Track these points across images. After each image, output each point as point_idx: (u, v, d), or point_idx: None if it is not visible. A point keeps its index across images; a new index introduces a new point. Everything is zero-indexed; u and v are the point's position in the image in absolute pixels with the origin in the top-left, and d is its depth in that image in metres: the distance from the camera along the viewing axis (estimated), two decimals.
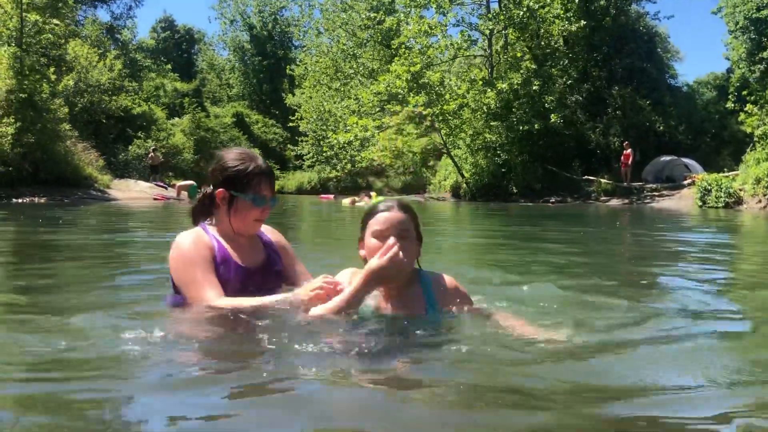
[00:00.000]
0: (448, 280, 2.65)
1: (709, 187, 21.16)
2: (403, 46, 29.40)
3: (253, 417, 1.67)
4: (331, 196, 24.12)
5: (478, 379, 1.98)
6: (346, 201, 23.24)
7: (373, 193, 25.99)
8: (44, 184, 19.46)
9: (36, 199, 18.01)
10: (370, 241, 2.48)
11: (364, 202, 21.97)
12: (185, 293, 2.63)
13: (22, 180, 18.86)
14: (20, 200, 17.60)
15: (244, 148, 2.92)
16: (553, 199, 25.66)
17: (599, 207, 23.04)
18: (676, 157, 27.98)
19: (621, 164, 26.90)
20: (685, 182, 24.98)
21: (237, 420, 1.65)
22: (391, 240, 2.38)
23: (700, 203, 21.19)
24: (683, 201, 23.13)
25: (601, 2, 30.84)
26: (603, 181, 27.04)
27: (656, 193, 25.44)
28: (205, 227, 2.76)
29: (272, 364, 2.08)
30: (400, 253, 2.35)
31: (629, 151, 26.41)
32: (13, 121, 18.61)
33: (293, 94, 53.06)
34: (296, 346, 2.17)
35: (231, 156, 2.78)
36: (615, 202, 25.34)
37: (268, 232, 2.94)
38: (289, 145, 55.45)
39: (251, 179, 2.67)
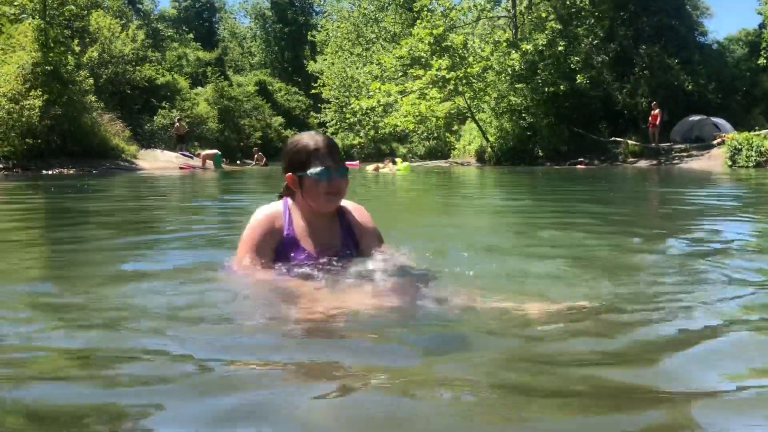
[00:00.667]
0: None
1: (740, 147, 20.74)
2: (426, 8, 29.01)
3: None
4: (357, 163, 23.94)
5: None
6: (370, 167, 23.25)
7: (398, 159, 25.92)
8: (72, 156, 19.72)
9: (65, 171, 18.29)
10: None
11: (387, 169, 21.97)
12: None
13: (50, 152, 19.12)
14: (49, 172, 17.89)
15: (308, 131, 2.98)
16: (581, 160, 25.22)
17: (627, 169, 22.75)
18: (705, 117, 27.38)
19: (649, 125, 26.43)
20: (715, 142, 24.48)
21: None
22: None
23: (730, 163, 20.81)
24: (712, 161, 22.73)
25: None
26: (630, 142, 26.64)
27: (685, 154, 25.01)
28: (286, 203, 2.82)
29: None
30: None
31: (657, 111, 25.92)
32: (40, 93, 18.80)
33: (315, 61, 52.82)
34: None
35: (291, 140, 2.86)
36: (643, 163, 25.00)
37: (355, 211, 2.92)
38: (312, 113, 55.35)
39: (309, 155, 2.71)
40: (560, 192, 11.19)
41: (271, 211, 2.78)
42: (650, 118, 26.22)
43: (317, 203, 2.74)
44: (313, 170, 2.67)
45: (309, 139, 2.77)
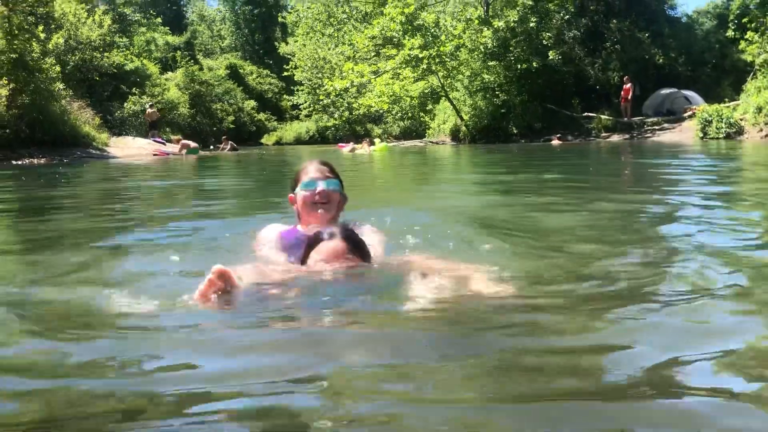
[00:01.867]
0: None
1: (710, 119, 21.02)
2: None
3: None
4: (349, 145, 23.30)
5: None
6: (346, 149, 23.19)
7: (376, 140, 25.88)
8: (42, 145, 19.33)
9: (35, 161, 17.94)
10: (303, 192, 2.93)
11: (363, 149, 21.92)
12: None
13: (20, 142, 18.72)
14: (19, 162, 17.54)
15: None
16: (558, 135, 25.34)
17: (600, 143, 22.96)
18: (676, 90, 27.69)
19: (621, 99, 26.67)
20: (686, 114, 24.79)
21: None
22: None
23: (701, 135, 21.09)
24: (684, 134, 23.02)
25: None
26: (603, 117, 26.86)
27: (657, 127, 25.30)
28: (295, 227, 3.01)
29: None
30: None
31: (629, 85, 26.14)
32: (6, 82, 18.38)
33: (286, 43, 52.31)
34: None
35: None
36: (616, 137, 25.25)
37: (370, 233, 2.91)
38: (285, 95, 54.95)
39: (300, 173, 3.01)
40: (539, 167, 11.27)
41: (277, 226, 3.07)
42: (622, 92, 26.47)
43: (307, 214, 2.91)
44: (301, 183, 2.95)
45: (305, 163, 3.08)
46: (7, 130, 18.21)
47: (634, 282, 2.34)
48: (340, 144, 27.26)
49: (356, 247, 2.46)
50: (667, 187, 6.79)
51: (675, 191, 6.16)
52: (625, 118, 26.33)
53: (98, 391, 1.48)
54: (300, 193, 2.93)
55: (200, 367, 1.61)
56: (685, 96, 27.17)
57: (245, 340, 1.84)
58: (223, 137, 31.91)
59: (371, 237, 2.81)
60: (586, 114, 27.54)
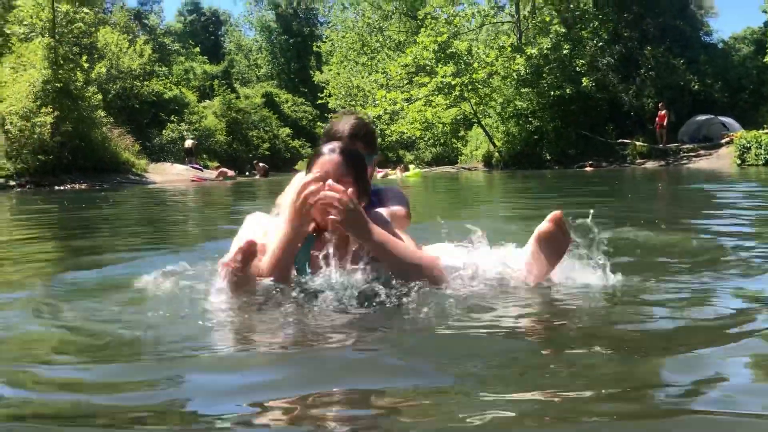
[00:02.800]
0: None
1: (748, 145, 20.71)
2: (429, 16, 29.19)
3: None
4: (383, 171, 23.44)
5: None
6: (379, 174, 23.41)
7: (411, 166, 26.10)
8: (83, 171, 19.90)
9: (77, 186, 18.46)
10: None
11: (395, 175, 22.09)
12: None
13: (62, 168, 19.31)
14: (62, 187, 18.07)
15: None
16: (590, 162, 25.23)
17: (635, 170, 22.75)
18: (712, 116, 27.32)
19: (656, 125, 26.43)
20: (723, 141, 24.44)
21: None
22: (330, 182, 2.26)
23: (739, 162, 20.77)
24: (721, 160, 22.69)
25: None
26: (638, 143, 26.62)
27: (693, 154, 24.98)
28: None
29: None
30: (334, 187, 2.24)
31: (664, 111, 25.92)
32: (51, 110, 19.00)
33: (321, 71, 53.04)
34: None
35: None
36: (651, 164, 24.98)
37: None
38: (318, 123, 55.55)
39: (312, 160, 2.48)
40: (575, 194, 11.22)
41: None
42: (657, 119, 26.22)
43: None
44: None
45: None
46: (51, 157, 18.79)
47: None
48: (378, 170, 27.16)
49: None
50: (714, 212, 6.73)
51: (723, 217, 6.10)
52: (661, 145, 26.05)
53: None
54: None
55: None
56: (722, 122, 26.79)
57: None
58: (255, 161, 32.33)
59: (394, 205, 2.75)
60: (620, 140, 27.33)
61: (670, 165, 24.18)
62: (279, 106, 55.69)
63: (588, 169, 24.30)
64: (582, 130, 27.49)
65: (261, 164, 30.98)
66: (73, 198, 13.13)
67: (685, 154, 25.15)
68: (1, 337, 2.12)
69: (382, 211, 2.65)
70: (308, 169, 2.41)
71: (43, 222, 7.84)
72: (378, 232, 2.30)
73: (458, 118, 30.83)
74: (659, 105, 26.39)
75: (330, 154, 2.38)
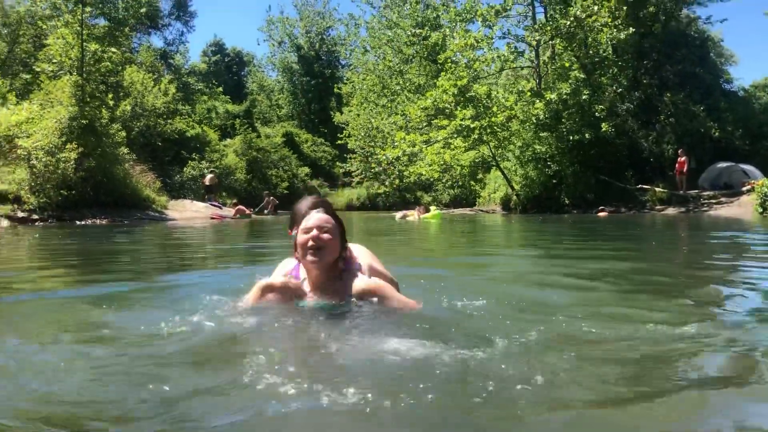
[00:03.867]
0: (366, 280, 3.16)
1: None
2: (449, 60, 29.50)
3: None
4: (407, 211, 23.38)
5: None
6: (398, 215, 23.42)
7: (432, 207, 26.12)
8: (104, 206, 20.14)
9: (97, 221, 18.65)
10: (300, 236, 3.15)
11: (413, 217, 22.08)
12: None
13: (84, 203, 19.56)
14: (83, 222, 18.26)
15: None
16: (602, 208, 25.13)
17: (655, 216, 22.55)
18: (733, 164, 27.18)
19: (676, 172, 26.30)
20: (744, 189, 24.22)
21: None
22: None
23: (761, 210, 20.53)
24: (742, 208, 22.45)
25: (650, 9, 30.29)
26: (658, 189, 26.46)
27: (714, 201, 24.75)
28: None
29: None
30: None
31: (684, 158, 25.82)
32: (75, 146, 19.34)
33: (341, 112, 53.72)
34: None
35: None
36: (671, 210, 24.78)
37: (365, 266, 3.29)
38: (338, 163, 56.04)
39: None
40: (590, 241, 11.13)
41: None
42: (677, 165, 26.11)
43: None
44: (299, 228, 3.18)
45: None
46: (73, 192, 19.05)
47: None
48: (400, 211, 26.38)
49: (337, 221, 3.19)
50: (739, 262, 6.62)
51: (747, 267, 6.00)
52: (681, 191, 25.88)
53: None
54: (298, 236, 3.17)
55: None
56: (743, 170, 26.62)
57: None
58: (265, 193, 32.53)
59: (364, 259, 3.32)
60: (640, 186, 27.19)
61: (691, 212, 23.97)
62: (299, 145, 56.31)
63: (601, 214, 24.12)
64: (601, 175, 27.41)
65: (271, 197, 31.12)
66: (99, 233, 13.25)
67: (706, 201, 24.93)
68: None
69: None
70: (295, 226, 3.22)
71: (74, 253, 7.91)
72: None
73: (477, 160, 30.91)
74: (679, 151, 26.31)
75: (318, 213, 3.19)
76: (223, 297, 3.43)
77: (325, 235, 3.09)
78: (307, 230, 3.11)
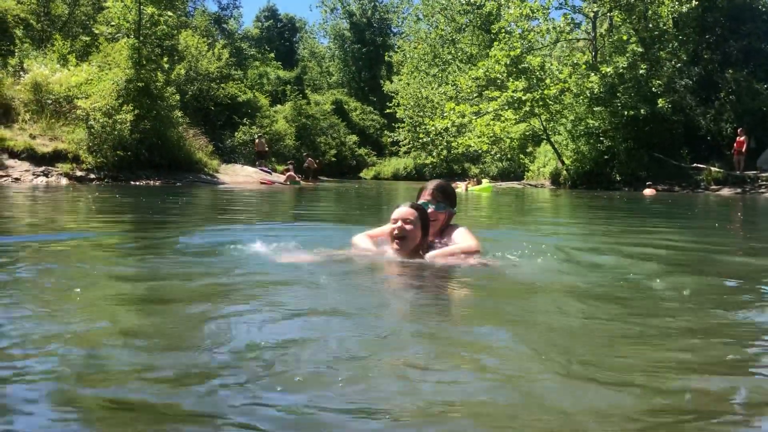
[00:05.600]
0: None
1: None
2: (503, 30, 28.99)
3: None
4: (457, 182, 23.55)
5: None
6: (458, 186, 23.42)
7: (484, 180, 26.04)
8: (158, 168, 20.64)
9: (151, 182, 19.16)
10: (389, 225, 3.70)
11: (460, 189, 22.03)
12: None
13: (139, 164, 20.08)
14: (137, 183, 18.79)
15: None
16: (648, 184, 24.29)
17: (709, 196, 21.99)
18: None
19: (734, 152, 25.50)
20: None
21: None
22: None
23: None
24: None
25: None
26: (714, 169, 25.73)
27: None
28: None
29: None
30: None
31: (743, 138, 24.99)
32: (131, 108, 19.80)
33: (391, 81, 53.51)
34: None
35: None
36: (726, 191, 24.10)
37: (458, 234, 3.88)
38: (386, 132, 56.04)
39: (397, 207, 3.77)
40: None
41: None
42: (735, 145, 25.31)
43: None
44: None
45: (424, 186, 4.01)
46: (129, 153, 19.56)
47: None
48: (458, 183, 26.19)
49: (420, 215, 3.66)
50: None
51: None
52: (738, 172, 25.11)
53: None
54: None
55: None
56: None
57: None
58: (305, 155, 32.29)
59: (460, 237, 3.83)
60: (695, 165, 26.46)
61: (747, 193, 23.28)
62: (348, 113, 56.44)
63: (647, 192, 22.87)
64: (655, 153, 26.77)
65: (309, 160, 30.92)
66: (150, 192, 13.62)
67: (764, 183, 24.16)
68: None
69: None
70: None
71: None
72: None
73: (527, 133, 30.50)
74: (738, 131, 25.46)
75: (405, 206, 3.67)
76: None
77: (408, 226, 3.58)
78: (394, 221, 3.62)
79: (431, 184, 3.93)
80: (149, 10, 22.42)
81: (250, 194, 15.81)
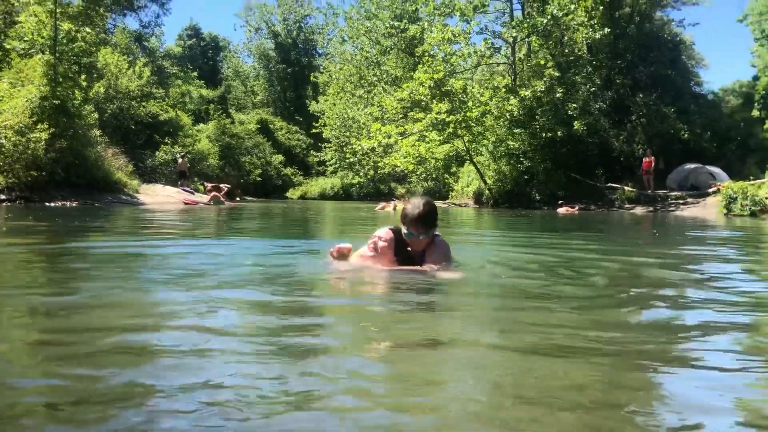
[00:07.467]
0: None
1: (735, 196, 21.02)
2: (427, 53, 29.63)
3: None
4: (384, 203, 23.35)
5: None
6: (377, 207, 23.59)
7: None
8: (75, 188, 19.90)
9: (68, 203, 18.44)
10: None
11: (388, 208, 22.25)
12: None
13: (54, 184, 19.31)
14: (53, 204, 18.06)
15: (422, 198, 4.19)
16: (561, 203, 24.94)
17: (623, 214, 22.98)
18: (700, 165, 27.82)
19: (642, 172, 26.84)
20: (710, 190, 24.82)
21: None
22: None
23: (725, 211, 21.05)
24: (708, 209, 22.99)
25: (626, 10, 30.83)
26: (627, 188, 26.96)
27: (681, 201, 25.30)
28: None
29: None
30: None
31: (651, 158, 26.35)
32: (46, 126, 19.07)
33: (317, 101, 53.63)
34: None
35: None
36: (639, 210, 25.26)
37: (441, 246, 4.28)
38: (312, 152, 55.99)
39: (405, 216, 4.05)
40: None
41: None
42: (643, 165, 26.65)
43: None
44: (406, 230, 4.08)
45: (412, 205, 4.06)
46: (43, 173, 18.80)
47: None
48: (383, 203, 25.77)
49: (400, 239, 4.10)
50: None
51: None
52: (649, 191, 26.40)
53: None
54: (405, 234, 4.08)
55: None
56: (710, 172, 27.27)
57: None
58: (211, 186, 27.74)
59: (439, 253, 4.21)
60: (609, 185, 27.68)
61: (658, 211, 24.48)
62: (273, 133, 56.14)
63: (561, 210, 23.35)
64: (572, 173, 27.84)
65: (216, 186, 27.12)
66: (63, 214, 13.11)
67: (673, 201, 25.47)
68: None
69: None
70: (402, 222, 4.09)
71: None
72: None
73: (451, 154, 31.15)
74: (647, 151, 26.87)
75: (420, 237, 4.07)
76: None
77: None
78: (409, 233, 4.04)
79: (415, 213, 4.03)
80: (66, 26, 21.74)
81: (172, 214, 15.45)
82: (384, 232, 4.14)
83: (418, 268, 4.07)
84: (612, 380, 2.03)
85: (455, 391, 1.89)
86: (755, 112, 28.45)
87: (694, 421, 1.70)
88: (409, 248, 4.12)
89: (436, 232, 4.24)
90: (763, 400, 1.93)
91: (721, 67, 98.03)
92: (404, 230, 4.04)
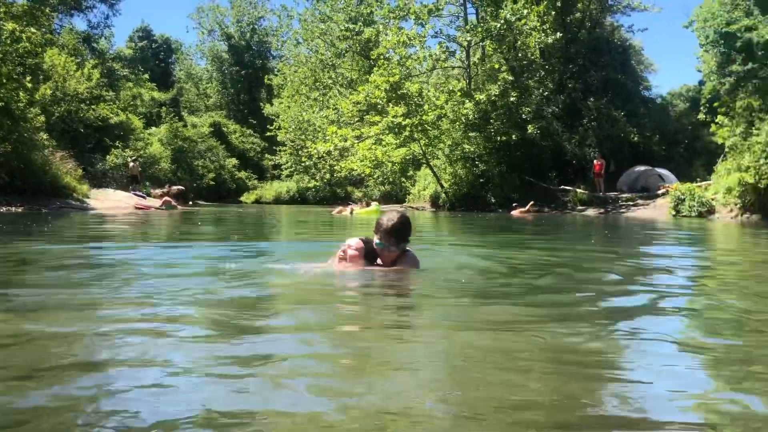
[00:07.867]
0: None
1: (683, 197, 21.57)
2: (382, 56, 29.65)
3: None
4: (341, 207, 23.24)
5: None
6: (333, 211, 23.45)
7: (374, 203, 26.26)
8: (21, 194, 19.27)
9: (13, 209, 17.83)
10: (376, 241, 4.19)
11: (346, 212, 22.16)
12: None
13: None
14: None
15: (399, 213, 4.33)
16: (515, 204, 25.33)
17: (576, 216, 23.37)
18: (650, 168, 28.50)
19: (593, 174, 27.37)
20: (660, 192, 25.45)
21: None
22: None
23: (674, 212, 21.59)
24: (657, 210, 23.55)
25: (577, 15, 31.40)
26: (579, 191, 27.44)
27: (631, 203, 25.87)
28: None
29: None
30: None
31: (601, 161, 26.89)
32: None
33: (271, 104, 53.15)
34: None
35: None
36: (591, 211, 25.73)
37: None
38: (267, 155, 55.48)
39: (379, 226, 4.14)
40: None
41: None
42: (594, 168, 27.18)
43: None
44: (378, 241, 4.15)
45: (387, 218, 4.14)
46: None
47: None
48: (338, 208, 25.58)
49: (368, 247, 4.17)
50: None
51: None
52: (600, 193, 26.91)
53: None
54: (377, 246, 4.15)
55: None
56: (659, 174, 27.96)
57: None
58: (166, 190, 26.74)
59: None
60: (562, 187, 28.14)
61: (610, 213, 24.97)
62: (227, 136, 55.43)
63: (515, 212, 24.10)
64: (526, 176, 28.20)
65: (168, 190, 26.09)
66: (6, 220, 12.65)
67: (624, 203, 26.03)
68: None
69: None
70: (376, 233, 4.19)
71: None
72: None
73: (408, 158, 31.20)
74: (597, 154, 27.42)
75: (391, 250, 4.17)
76: None
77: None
78: (380, 243, 4.14)
79: (389, 225, 4.10)
80: (9, 26, 21.02)
81: (124, 219, 15.08)
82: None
83: (384, 268, 4.14)
84: (563, 355, 2.05)
85: (408, 366, 2.14)
86: (701, 116, 29.18)
87: (653, 413, 1.72)
88: (378, 261, 4.17)
89: (408, 248, 4.28)
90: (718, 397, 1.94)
91: (669, 72, 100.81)
92: (376, 239, 4.09)
